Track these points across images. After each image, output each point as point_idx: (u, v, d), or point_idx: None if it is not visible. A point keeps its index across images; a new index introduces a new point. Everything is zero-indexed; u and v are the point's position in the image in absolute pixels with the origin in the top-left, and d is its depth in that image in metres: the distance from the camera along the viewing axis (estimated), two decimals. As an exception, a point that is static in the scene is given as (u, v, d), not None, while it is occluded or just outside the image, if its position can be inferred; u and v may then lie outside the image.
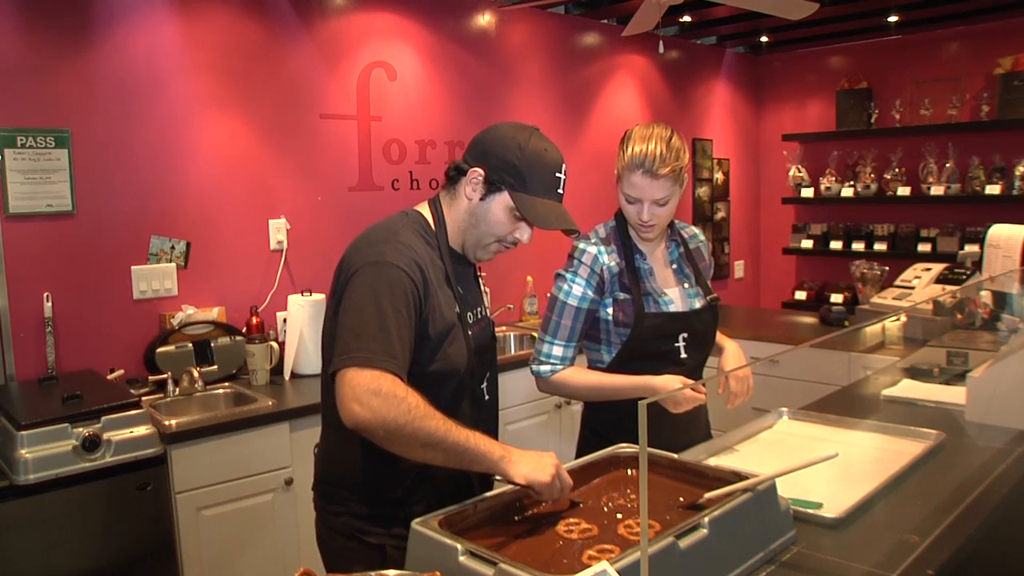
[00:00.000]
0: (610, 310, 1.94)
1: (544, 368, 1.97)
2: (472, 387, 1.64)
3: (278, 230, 3.41)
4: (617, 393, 1.89)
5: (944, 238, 4.92)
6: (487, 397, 1.70)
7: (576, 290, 1.94)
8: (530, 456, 1.42)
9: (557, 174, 1.59)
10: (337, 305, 1.50)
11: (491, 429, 1.72)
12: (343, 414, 1.36)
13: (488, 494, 1.43)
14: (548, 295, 2.03)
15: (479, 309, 1.71)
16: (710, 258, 2.15)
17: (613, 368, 1.95)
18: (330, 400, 1.62)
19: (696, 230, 2.15)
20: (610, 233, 2.00)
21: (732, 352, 2.06)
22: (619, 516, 1.42)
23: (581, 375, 1.95)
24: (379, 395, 1.34)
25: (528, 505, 1.45)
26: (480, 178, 1.57)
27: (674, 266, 2.02)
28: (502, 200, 1.57)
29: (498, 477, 1.44)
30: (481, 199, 1.58)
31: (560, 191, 1.60)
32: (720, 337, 2.10)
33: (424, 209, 1.65)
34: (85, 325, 2.92)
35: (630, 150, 1.85)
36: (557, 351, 1.95)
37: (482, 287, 1.81)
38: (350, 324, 1.43)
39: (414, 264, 1.50)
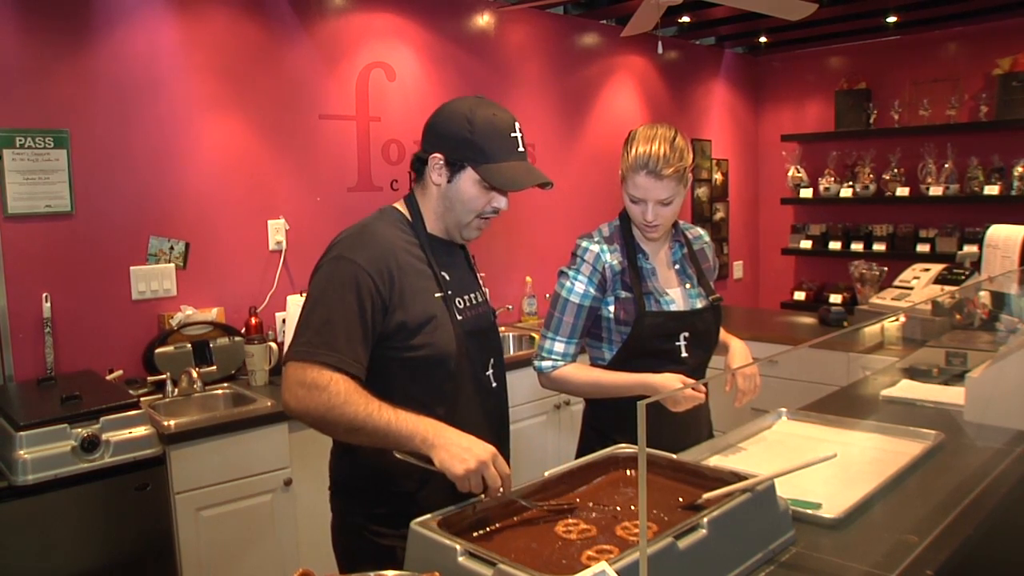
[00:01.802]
0: (612, 308, 1.94)
1: (546, 364, 1.98)
2: (474, 373, 1.64)
3: (277, 230, 3.41)
4: (617, 391, 1.89)
5: (943, 238, 4.93)
6: (495, 384, 1.70)
7: (578, 287, 1.95)
8: (459, 442, 1.39)
9: (512, 134, 1.60)
10: None
11: (501, 417, 1.72)
12: (282, 401, 1.49)
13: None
14: (547, 295, 2.04)
15: (474, 295, 1.71)
16: (715, 260, 2.15)
17: (614, 366, 1.96)
18: None
19: (701, 231, 2.16)
20: (614, 232, 2.01)
21: (738, 350, 2.06)
22: (618, 516, 1.42)
23: (582, 372, 1.96)
24: (303, 386, 1.44)
25: (527, 506, 1.45)
26: (441, 162, 1.59)
27: (677, 266, 2.02)
28: (468, 176, 1.59)
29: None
30: (448, 181, 1.60)
31: (521, 149, 1.61)
32: (726, 335, 2.11)
33: (400, 205, 1.69)
34: (84, 326, 2.92)
35: (634, 151, 1.86)
36: (559, 347, 1.97)
37: (477, 273, 1.81)
38: (300, 319, 1.51)
39: (377, 256, 1.53)
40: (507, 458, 1.74)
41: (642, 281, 1.95)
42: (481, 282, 1.81)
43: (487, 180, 1.57)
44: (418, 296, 1.55)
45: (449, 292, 1.61)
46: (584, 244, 1.99)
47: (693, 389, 1.83)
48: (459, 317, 1.61)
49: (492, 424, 1.68)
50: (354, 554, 1.59)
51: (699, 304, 1.99)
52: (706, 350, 2.04)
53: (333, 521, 1.69)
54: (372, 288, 1.51)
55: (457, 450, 1.38)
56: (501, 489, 1.39)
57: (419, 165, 1.64)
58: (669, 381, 1.83)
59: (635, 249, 1.98)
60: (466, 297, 1.67)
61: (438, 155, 1.59)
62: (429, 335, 1.55)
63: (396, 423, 1.41)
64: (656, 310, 1.93)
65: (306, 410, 1.44)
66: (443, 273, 1.62)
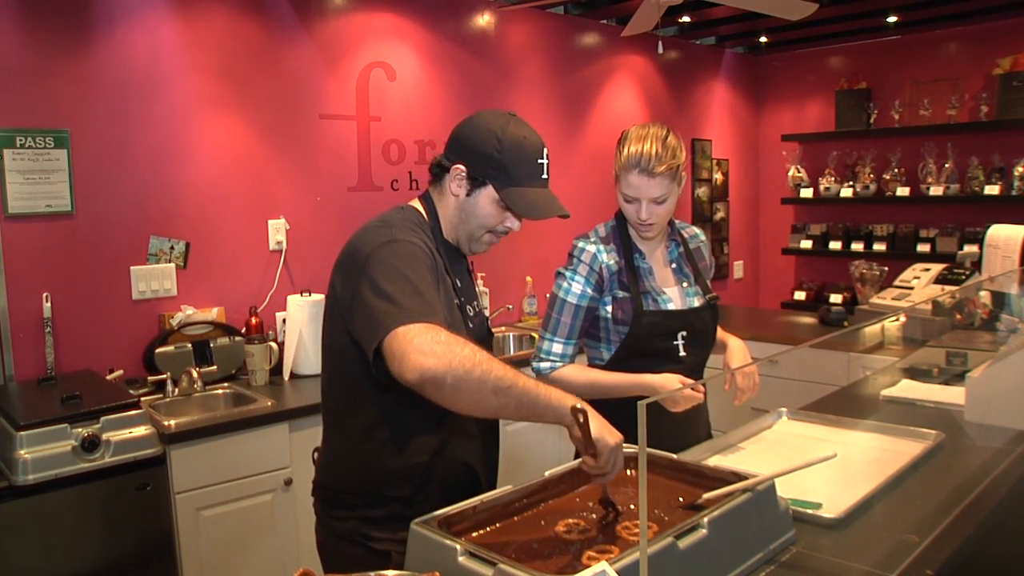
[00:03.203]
0: (609, 308, 1.95)
1: (544, 365, 1.98)
2: None
3: (277, 230, 3.41)
4: (615, 391, 1.89)
5: (943, 238, 4.93)
6: None
7: (575, 288, 1.95)
8: (600, 418, 1.38)
9: (539, 160, 1.57)
10: (348, 300, 1.46)
11: (493, 425, 1.72)
12: (406, 369, 1.28)
13: (489, 494, 1.43)
14: (548, 295, 2.04)
15: (475, 303, 1.71)
16: (711, 258, 2.16)
17: (612, 365, 1.96)
18: (332, 404, 1.62)
19: (697, 230, 2.16)
20: (610, 232, 2.01)
21: (737, 348, 2.06)
22: (618, 516, 1.42)
23: (580, 372, 1.96)
24: (440, 343, 1.29)
25: (552, 495, 1.45)
26: (463, 174, 1.57)
27: (673, 265, 2.03)
28: (488, 194, 1.57)
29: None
30: (467, 195, 1.58)
31: (545, 176, 1.59)
32: (724, 334, 2.11)
33: (417, 204, 1.66)
34: (84, 325, 2.92)
35: (626, 150, 1.87)
36: (557, 348, 1.97)
37: (475, 281, 1.80)
38: (381, 295, 1.38)
39: (423, 244, 1.50)
40: (497, 462, 1.74)
41: (639, 280, 1.95)
42: (478, 288, 1.81)
43: (507, 203, 1.55)
44: (443, 301, 1.52)
45: (462, 299, 1.61)
46: (580, 244, 1.99)
47: (692, 389, 1.83)
48: (470, 325, 1.61)
49: (484, 430, 1.68)
50: (348, 558, 1.58)
51: (696, 303, 1.99)
52: (704, 349, 2.04)
53: (319, 525, 1.65)
54: (434, 267, 1.48)
55: (606, 425, 1.37)
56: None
57: (439, 171, 1.61)
58: (667, 381, 1.83)
59: (632, 249, 1.98)
60: (472, 304, 1.68)
61: (461, 167, 1.56)
62: None
63: (543, 388, 1.34)
64: (653, 309, 1.93)
65: (449, 365, 1.26)
66: (456, 280, 1.61)
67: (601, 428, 1.36)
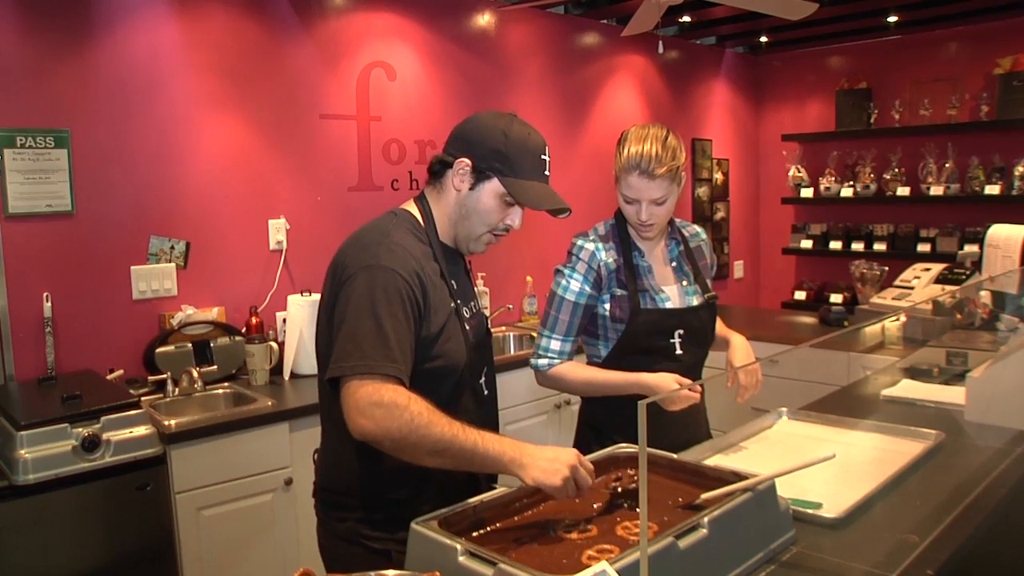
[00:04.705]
0: (607, 306, 1.95)
1: (542, 362, 1.99)
2: (471, 383, 1.63)
3: (277, 230, 3.41)
4: (612, 389, 1.90)
5: (943, 238, 4.93)
6: (486, 392, 1.70)
7: (574, 286, 1.95)
8: (544, 455, 1.39)
9: (542, 156, 1.60)
10: (332, 309, 1.49)
11: (492, 424, 1.72)
12: (350, 427, 1.37)
13: (489, 494, 1.43)
14: (548, 293, 2.04)
15: (473, 303, 1.70)
16: (712, 257, 2.15)
17: (609, 363, 1.96)
18: (328, 406, 1.62)
19: (698, 229, 2.16)
20: (609, 231, 2.01)
21: (740, 346, 2.06)
22: (618, 517, 1.42)
23: (577, 370, 1.97)
24: (381, 406, 1.35)
25: (535, 503, 1.45)
26: (468, 168, 1.57)
27: (673, 264, 2.03)
28: (492, 188, 1.57)
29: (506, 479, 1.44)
30: (471, 189, 1.58)
31: (546, 173, 1.62)
32: (727, 331, 2.11)
33: (412, 207, 1.65)
34: (84, 325, 2.92)
35: (626, 151, 1.87)
36: (555, 345, 1.97)
37: (472, 281, 1.80)
38: (347, 331, 1.42)
39: (410, 264, 1.50)
40: None
41: (638, 279, 1.95)
42: (478, 288, 1.81)
43: (512, 194, 1.56)
44: (437, 307, 1.53)
45: (458, 301, 1.61)
46: (579, 242, 1.99)
47: (688, 389, 1.83)
48: (466, 327, 1.61)
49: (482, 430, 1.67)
50: (350, 558, 1.58)
51: (695, 301, 2.00)
52: (701, 347, 2.04)
53: (320, 526, 1.66)
54: (413, 297, 1.48)
55: (546, 464, 1.37)
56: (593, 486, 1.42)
57: (440, 168, 1.61)
58: (664, 381, 1.83)
59: (631, 247, 1.98)
60: (470, 305, 1.67)
61: (466, 160, 1.56)
62: (442, 346, 1.53)
63: (483, 444, 1.38)
64: (651, 307, 1.93)
65: (386, 432, 1.34)
66: (452, 282, 1.61)
67: (539, 474, 1.37)
